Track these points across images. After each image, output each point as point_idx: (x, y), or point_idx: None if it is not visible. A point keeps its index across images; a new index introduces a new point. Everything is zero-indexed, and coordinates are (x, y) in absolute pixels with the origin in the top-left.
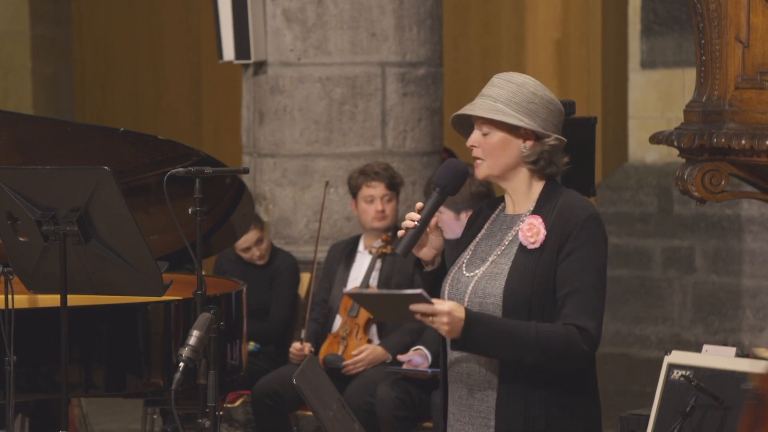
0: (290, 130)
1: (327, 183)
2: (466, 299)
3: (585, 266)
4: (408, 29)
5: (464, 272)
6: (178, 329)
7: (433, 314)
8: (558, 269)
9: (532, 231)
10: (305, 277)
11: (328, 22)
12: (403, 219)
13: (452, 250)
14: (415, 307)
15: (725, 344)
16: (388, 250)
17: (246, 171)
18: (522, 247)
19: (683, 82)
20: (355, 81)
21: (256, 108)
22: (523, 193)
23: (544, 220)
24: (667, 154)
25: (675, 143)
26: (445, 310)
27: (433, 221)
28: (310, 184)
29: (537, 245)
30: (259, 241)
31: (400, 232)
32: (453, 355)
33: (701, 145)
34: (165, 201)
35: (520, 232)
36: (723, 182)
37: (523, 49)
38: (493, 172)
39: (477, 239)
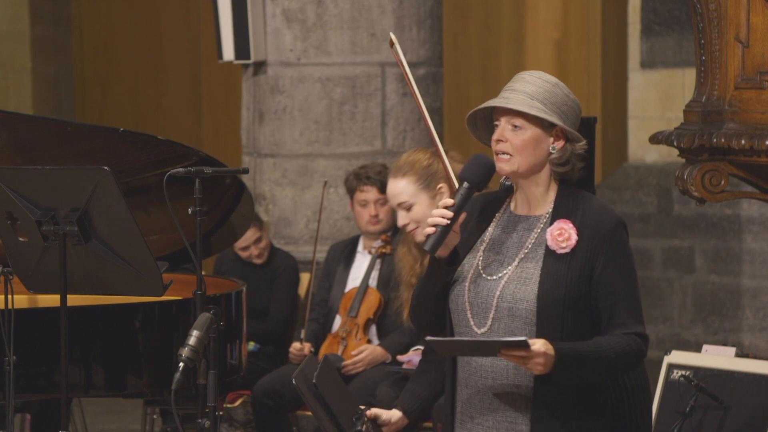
0: (290, 130)
1: (326, 183)
2: (494, 304)
3: (626, 273)
4: (408, 29)
5: (484, 275)
6: (178, 329)
7: (530, 357)
8: (599, 277)
9: (563, 236)
10: (305, 277)
11: (328, 22)
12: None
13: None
14: (512, 352)
15: (725, 344)
16: (388, 250)
17: (246, 171)
18: (550, 252)
19: (683, 82)
20: (355, 81)
21: (256, 108)
22: (540, 194)
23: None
24: (667, 154)
25: (675, 143)
26: (541, 351)
27: (461, 218)
28: (310, 184)
29: (567, 250)
30: (257, 240)
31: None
32: (476, 360)
33: (701, 145)
34: (165, 201)
35: (548, 236)
36: (723, 182)
37: (523, 49)
38: (520, 169)
39: (487, 239)
